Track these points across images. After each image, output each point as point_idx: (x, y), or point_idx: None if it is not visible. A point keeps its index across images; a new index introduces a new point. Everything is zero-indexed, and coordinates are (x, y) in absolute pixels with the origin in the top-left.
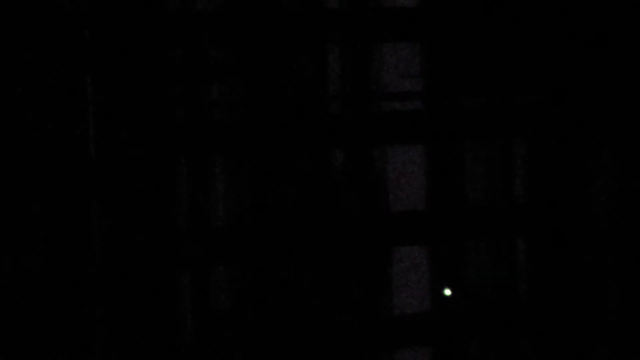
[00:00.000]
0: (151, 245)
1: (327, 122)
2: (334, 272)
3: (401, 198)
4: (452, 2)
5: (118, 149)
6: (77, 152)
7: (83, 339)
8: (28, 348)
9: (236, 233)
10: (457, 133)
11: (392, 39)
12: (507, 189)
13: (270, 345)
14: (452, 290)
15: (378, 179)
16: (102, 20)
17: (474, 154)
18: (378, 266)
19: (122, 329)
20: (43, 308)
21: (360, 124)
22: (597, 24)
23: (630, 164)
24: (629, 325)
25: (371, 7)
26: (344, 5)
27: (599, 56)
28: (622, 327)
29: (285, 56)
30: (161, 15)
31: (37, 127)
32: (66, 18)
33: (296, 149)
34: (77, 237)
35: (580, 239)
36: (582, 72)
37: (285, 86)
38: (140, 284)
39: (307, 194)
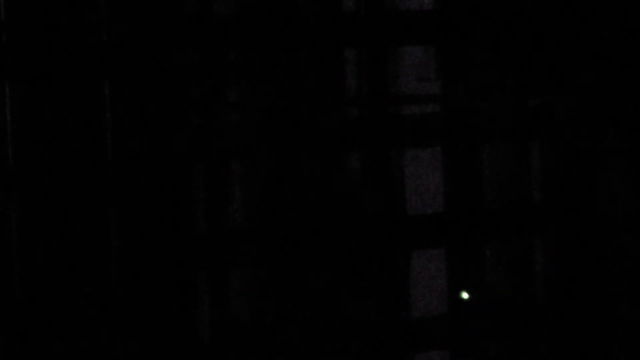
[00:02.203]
0: (168, 248)
1: (345, 125)
2: (351, 274)
3: (419, 200)
4: (468, 5)
5: (135, 153)
6: (95, 157)
7: (101, 342)
8: (46, 349)
9: (253, 236)
10: (474, 135)
11: (409, 42)
12: (525, 190)
13: (289, 348)
14: (469, 292)
15: (395, 182)
16: (119, 25)
17: (491, 155)
18: (396, 269)
19: (139, 332)
20: (61, 311)
21: (377, 126)
22: (610, 25)
23: None
24: None
25: (388, 10)
26: (360, 9)
27: (615, 57)
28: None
29: (303, 60)
30: (178, 20)
31: (55, 131)
32: (84, 22)
33: (314, 152)
34: (95, 241)
35: (598, 239)
36: (598, 73)
37: (302, 89)
38: (157, 287)
39: (325, 196)
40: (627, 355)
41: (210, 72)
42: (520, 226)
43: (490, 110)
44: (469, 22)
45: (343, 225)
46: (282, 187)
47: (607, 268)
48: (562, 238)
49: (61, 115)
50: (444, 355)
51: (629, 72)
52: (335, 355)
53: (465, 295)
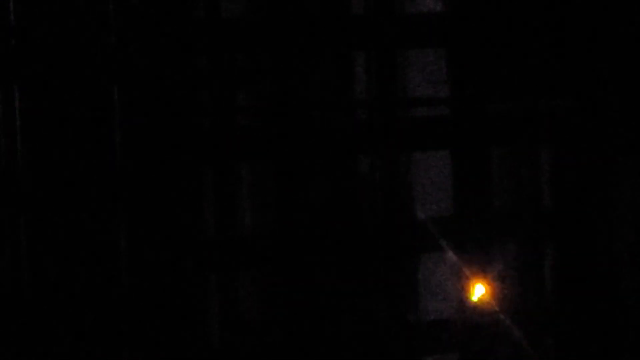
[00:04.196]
0: (177, 253)
1: (354, 128)
2: (360, 278)
3: (428, 204)
4: (478, 8)
5: (145, 157)
6: (104, 161)
7: (110, 346)
8: (56, 351)
9: (262, 239)
10: (483, 139)
11: (418, 44)
12: (534, 194)
13: (298, 351)
14: (478, 295)
15: (404, 185)
16: (127, 28)
17: (500, 159)
18: (405, 272)
19: (148, 335)
20: (70, 314)
21: (386, 129)
22: (623, 29)
23: None
24: None
25: (397, 12)
26: (369, 11)
27: (627, 60)
28: None
29: (312, 62)
30: (187, 23)
31: (64, 135)
32: (92, 26)
33: (322, 155)
34: (104, 245)
35: (607, 244)
36: (609, 76)
37: (311, 92)
38: (167, 290)
39: (334, 200)
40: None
41: (218, 76)
42: (529, 230)
43: (499, 114)
44: (479, 25)
45: (352, 228)
46: (291, 190)
47: (618, 272)
48: (572, 242)
49: (70, 119)
50: (453, 357)
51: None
52: (344, 357)
53: (474, 298)
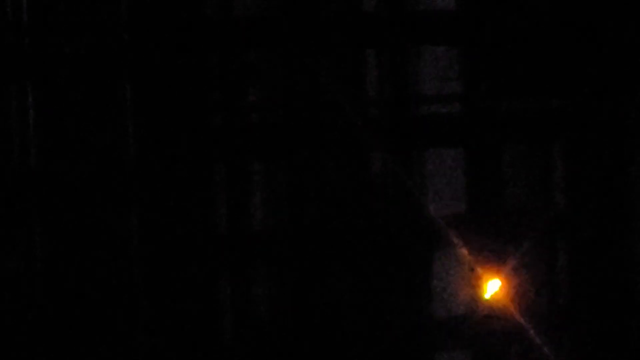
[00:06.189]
0: (190, 249)
1: (366, 125)
2: (373, 275)
3: (440, 201)
4: (490, 6)
5: (157, 154)
6: (117, 158)
7: (123, 342)
8: (70, 348)
9: (274, 236)
10: (496, 136)
11: (430, 42)
12: (547, 191)
13: (309, 348)
14: (491, 293)
15: (417, 182)
16: (140, 26)
17: (513, 156)
18: (418, 270)
19: (162, 332)
20: (83, 310)
21: (399, 127)
22: (635, 27)
23: None
24: None
25: (408, 10)
26: (381, 9)
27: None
28: None
29: (323, 60)
30: (199, 21)
31: (77, 133)
32: (104, 23)
33: (335, 152)
34: (117, 243)
35: (622, 242)
36: (622, 73)
37: (323, 90)
38: (179, 287)
39: (346, 197)
40: None
41: (230, 73)
42: (542, 228)
43: (512, 111)
44: (491, 22)
45: (364, 225)
46: (303, 187)
47: (633, 270)
48: (586, 240)
49: (83, 116)
50: (466, 355)
51: None
52: (356, 355)
53: (487, 295)
